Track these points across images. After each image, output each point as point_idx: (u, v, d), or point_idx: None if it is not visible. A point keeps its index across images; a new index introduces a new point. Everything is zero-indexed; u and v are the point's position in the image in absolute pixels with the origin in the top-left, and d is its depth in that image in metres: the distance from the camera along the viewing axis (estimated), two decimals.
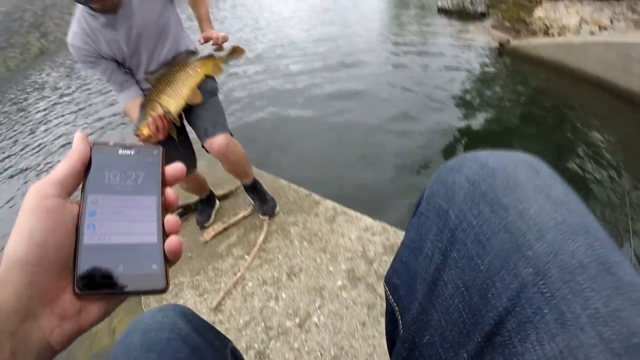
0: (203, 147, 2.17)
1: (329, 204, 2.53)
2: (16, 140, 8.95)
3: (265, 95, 6.61)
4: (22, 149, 8.08)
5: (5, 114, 15.97)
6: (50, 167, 5.79)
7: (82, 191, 0.40)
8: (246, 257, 2.30)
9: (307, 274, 2.08)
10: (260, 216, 2.54)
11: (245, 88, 7.17)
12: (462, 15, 11.29)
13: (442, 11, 11.88)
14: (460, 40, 8.39)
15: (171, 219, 0.42)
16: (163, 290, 0.38)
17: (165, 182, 0.44)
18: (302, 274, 2.08)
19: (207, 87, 2.15)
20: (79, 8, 1.86)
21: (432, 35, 9.10)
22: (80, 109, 9.55)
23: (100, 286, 0.36)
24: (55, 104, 11.66)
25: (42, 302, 0.34)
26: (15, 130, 10.03)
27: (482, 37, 8.73)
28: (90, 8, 1.78)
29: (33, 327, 0.33)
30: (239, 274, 2.16)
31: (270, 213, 2.51)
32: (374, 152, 4.27)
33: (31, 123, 10.59)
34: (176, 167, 0.46)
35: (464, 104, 5.37)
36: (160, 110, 1.88)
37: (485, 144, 4.25)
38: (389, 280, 0.57)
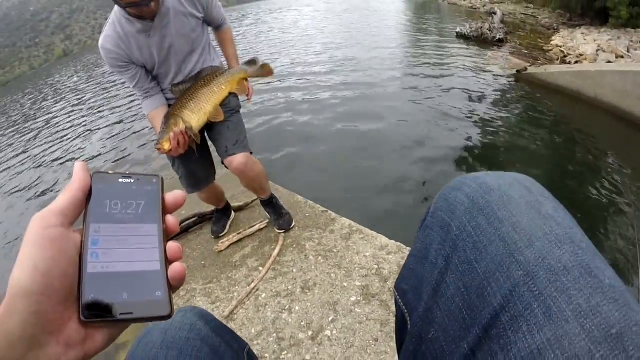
0: (222, 163, 2.21)
1: (345, 221, 2.53)
2: (27, 140, 9.22)
3: (287, 109, 6.76)
4: (33, 149, 8.43)
5: (22, 113, 16.38)
6: (51, 193, 5.99)
7: (84, 220, 0.41)
8: (260, 268, 2.30)
9: (321, 288, 2.08)
10: (276, 230, 2.54)
11: (268, 103, 7.32)
12: (480, 41, 11.44)
13: (461, 37, 12.08)
14: (478, 67, 8.45)
15: (173, 246, 0.43)
16: (167, 317, 0.38)
17: (165, 210, 0.45)
18: (316, 288, 2.08)
19: (230, 104, 2.19)
20: (115, 12, 1.89)
21: (450, 61, 9.18)
22: (93, 115, 9.82)
23: (105, 314, 0.36)
24: (71, 110, 11.92)
25: (47, 330, 0.34)
26: (24, 132, 10.28)
27: (500, 63, 8.80)
28: (128, 13, 1.82)
29: (39, 356, 0.33)
30: (252, 285, 2.17)
31: (286, 227, 2.52)
32: (394, 176, 4.31)
33: (43, 125, 10.88)
34: (176, 195, 0.47)
35: (482, 130, 5.40)
36: (182, 126, 1.89)
37: (500, 168, 4.27)
38: (398, 286, 0.62)
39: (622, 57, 8.63)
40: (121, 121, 8.55)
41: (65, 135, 8.89)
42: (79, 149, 7.62)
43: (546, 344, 0.36)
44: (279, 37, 15.78)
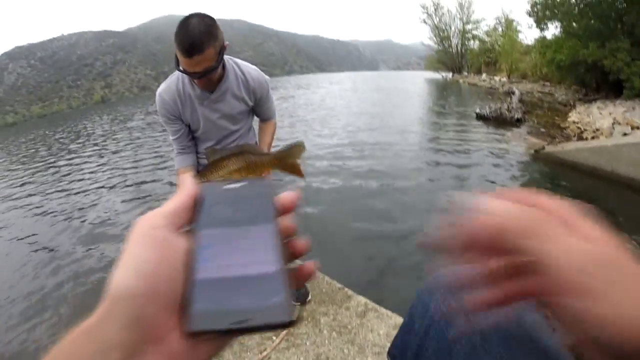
0: None
1: (361, 299, 2.59)
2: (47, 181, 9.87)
3: (306, 196, 6.86)
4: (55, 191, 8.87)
5: (50, 150, 17.12)
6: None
7: (193, 226, 0.39)
8: (274, 338, 2.33)
9: None
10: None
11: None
12: (499, 121, 11.82)
13: (480, 117, 12.48)
14: (497, 148, 8.73)
15: (300, 243, 0.41)
16: (289, 324, 0.33)
17: (279, 211, 0.42)
18: None
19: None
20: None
21: (470, 144, 9.46)
22: (118, 168, 10.21)
23: (216, 324, 0.32)
24: (99, 157, 12.62)
25: (148, 339, 0.31)
26: (48, 170, 11.00)
27: (518, 143, 9.09)
28: (193, 82, 1.95)
29: None
30: (264, 353, 2.20)
31: (302, 300, 2.60)
32: (412, 260, 4.46)
33: (67, 167, 11.53)
34: (289, 196, 0.43)
35: None
36: None
37: None
38: (390, 352, 0.80)
39: (638, 127, 8.89)
40: (140, 182, 8.71)
41: (76, 187, 9.18)
42: (86, 202, 7.79)
43: None
44: (303, 114, 16.42)
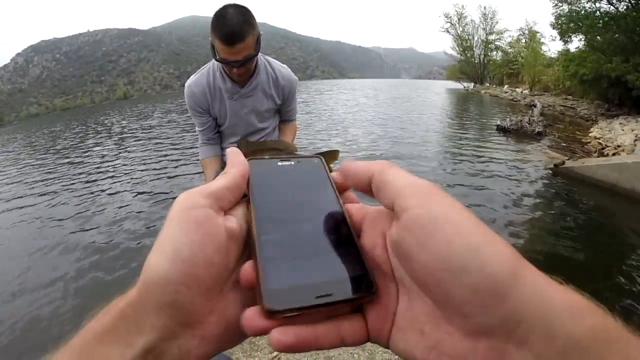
0: None
1: None
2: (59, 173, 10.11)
3: None
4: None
5: (68, 142, 17.56)
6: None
7: (249, 204, 0.38)
8: None
9: None
10: None
11: None
12: (519, 134, 11.80)
13: (501, 130, 12.44)
14: (517, 161, 8.71)
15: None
16: (373, 294, 0.32)
17: (338, 188, 0.41)
18: None
19: None
20: (214, 62, 2.01)
21: (489, 152, 9.49)
22: (133, 166, 10.36)
23: (301, 301, 0.31)
24: (115, 153, 12.79)
25: (183, 322, 0.31)
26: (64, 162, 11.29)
27: (538, 156, 9.06)
28: (223, 71, 1.98)
29: (170, 347, 0.30)
30: (275, 353, 2.22)
31: None
32: None
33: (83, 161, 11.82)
34: (346, 167, 0.40)
35: (517, 224, 5.52)
36: None
37: (534, 264, 4.41)
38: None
39: None
40: (146, 182, 8.72)
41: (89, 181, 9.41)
42: (102, 191, 8.07)
43: None
44: (320, 123, 16.27)
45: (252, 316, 0.31)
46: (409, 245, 0.29)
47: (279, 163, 0.43)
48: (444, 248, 0.27)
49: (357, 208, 0.38)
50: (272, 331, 0.30)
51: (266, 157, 0.43)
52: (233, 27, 1.74)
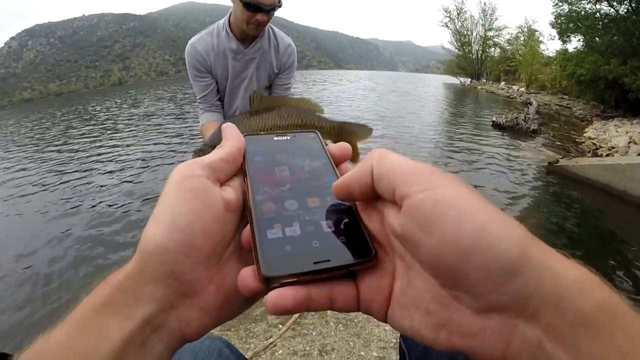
0: None
1: None
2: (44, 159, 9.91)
3: None
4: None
5: (58, 126, 17.38)
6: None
7: (246, 177, 0.38)
8: (280, 326, 2.34)
9: (338, 354, 2.10)
10: None
11: None
12: (514, 131, 11.81)
13: (496, 126, 12.43)
14: (510, 156, 8.75)
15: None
16: (373, 258, 0.32)
17: (335, 160, 0.42)
18: (334, 353, 2.11)
19: None
20: (219, 24, 2.05)
21: (483, 148, 9.51)
22: (121, 151, 10.20)
23: (300, 267, 0.30)
24: (105, 137, 12.68)
25: (182, 292, 0.31)
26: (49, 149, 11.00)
27: (533, 154, 9.09)
28: (231, 32, 1.99)
29: (169, 318, 0.31)
30: (270, 340, 2.20)
31: None
32: None
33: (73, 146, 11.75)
34: (341, 146, 0.43)
35: None
36: None
37: None
38: (399, 348, 0.82)
39: None
40: (134, 170, 8.39)
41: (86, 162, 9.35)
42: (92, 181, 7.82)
43: None
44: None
45: (247, 276, 0.31)
46: (413, 232, 0.28)
47: (275, 138, 0.44)
48: (450, 231, 0.26)
49: None
50: (269, 294, 0.29)
51: (262, 133, 0.45)
52: None
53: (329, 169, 0.41)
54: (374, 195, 0.33)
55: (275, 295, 0.29)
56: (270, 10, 1.88)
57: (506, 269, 0.24)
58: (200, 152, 1.52)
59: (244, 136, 0.41)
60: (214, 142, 1.49)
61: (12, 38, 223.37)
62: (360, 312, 0.32)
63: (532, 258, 0.25)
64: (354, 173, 0.34)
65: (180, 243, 0.30)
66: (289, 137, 0.44)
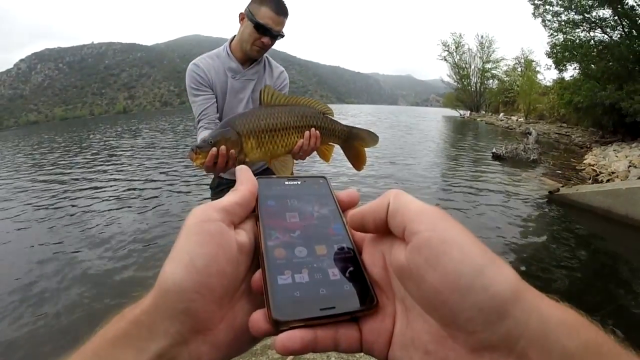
0: None
1: None
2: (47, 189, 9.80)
3: None
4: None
5: (60, 153, 17.45)
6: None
7: (258, 220, 0.39)
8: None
9: None
10: None
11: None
12: (515, 162, 11.87)
13: (496, 157, 12.52)
14: (512, 188, 8.73)
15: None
16: (374, 307, 0.34)
17: (342, 207, 0.44)
18: None
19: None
20: (220, 49, 2.16)
21: (484, 180, 9.53)
22: (120, 183, 10.14)
23: (307, 312, 0.33)
24: (105, 168, 12.73)
25: (195, 329, 0.32)
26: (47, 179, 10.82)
27: (533, 184, 9.10)
28: (231, 50, 2.11)
29: (181, 352, 0.32)
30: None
31: None
32: None
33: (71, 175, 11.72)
34: (350, 193, 0.45)
35: (512, 251, 5.48)
36: (234, 151, 1.57)
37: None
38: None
39: None
40: (130, 203, 8.18)
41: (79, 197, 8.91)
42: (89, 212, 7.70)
43: None
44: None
45: (258, 319, 0.34)
46: (418, 265, 0.30)
47: (286, 182, 0.45)
48: (452, 268, 0.28)
49: None
50: (279, 336, 0.32)
51: (273, 177, 0.45)
52: (283, 3, 1.98)
53: (337, 216, 0.42)
54: (384, 230, 0.36)
55: (284, 338, 0.31)
56: (275, 35, 2.01)
57: (498, 309, 0.26)
58: (198, 149, 1.52)
59: (257, 178, 0.43)
60: (215, 139, 1.52)
61: (22, 60, 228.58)
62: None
63: (522, 300, 0.27)
64: (371, 206, 0.37)
65: (196, 283, 0.32)
66: (299, 182, 0.46)
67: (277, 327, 0.32)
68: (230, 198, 0.39)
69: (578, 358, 0.24)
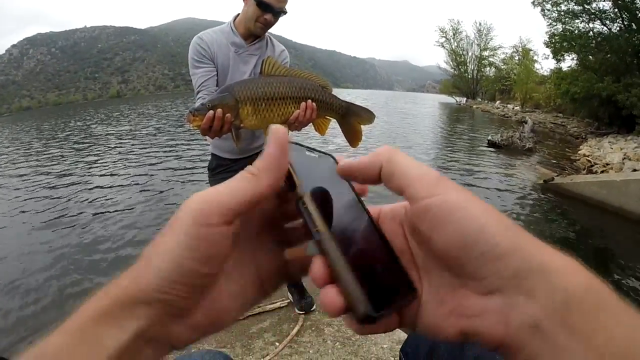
0: None
1: None
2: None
3: None
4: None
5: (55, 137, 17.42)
6: None
7: (305, 205, 0.35)
8: (277, 343, 2.34)
9: None
10: (297, 310, 2.65)
11: None
12: (510, 149, 11.88)
13: (492, 144, 12.51)
14: (506, 175, 8.79)
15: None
16: (416, 295, 0.33)
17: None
18: None
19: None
20: (223, 25, 2.19)
21: (479, 167, 9.55)
22: (114, 169, 10.02)
23: (392, 300, 0.32)
24: (101, 151, 12.77)
25: (174, 315, 0.32)
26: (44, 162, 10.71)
27: (528, 172, 9.13)
28: (235, 27, 2.10)
29: (160, 333, 0.32)
30: (267, 357, 2.20)
31: (307, 309, 2.62)
32: None
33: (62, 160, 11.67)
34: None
35: None
36: (230, 116, 1.60)
37: None
38: (403, 349, 0.86)
39: None
40: (122, 188, 8.30)
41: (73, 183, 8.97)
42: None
43: None
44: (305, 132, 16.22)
45: (349, 323, 0.33)
46: (424, 231, 0.32)
47: (309, 153, 0.41)
48: (457, 232, 0.30)
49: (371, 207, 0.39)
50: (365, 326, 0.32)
51: (300, 146, 0.41)
52: None
53: (355, 198, 0.39)
54: (372, 183, 0.37)
55: (374, 325, 0.32)
56: (278, 12, 2.01)
57: (501, 256, 0.28)
58: (196, 112, 1.58)
59: (290, 143, 0.37)
60: (212, 102, 1.57)
61: (14, 45, 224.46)
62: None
63: (522, 248, 0.28)
64: (362, 162, 0.36)
65: (180, 283, 0.31)
66: (318, 156, 0.41)
67: (369, 322, 0.31)
68: (245, 193, 0.33)
69: (579, 297, 0.26)
